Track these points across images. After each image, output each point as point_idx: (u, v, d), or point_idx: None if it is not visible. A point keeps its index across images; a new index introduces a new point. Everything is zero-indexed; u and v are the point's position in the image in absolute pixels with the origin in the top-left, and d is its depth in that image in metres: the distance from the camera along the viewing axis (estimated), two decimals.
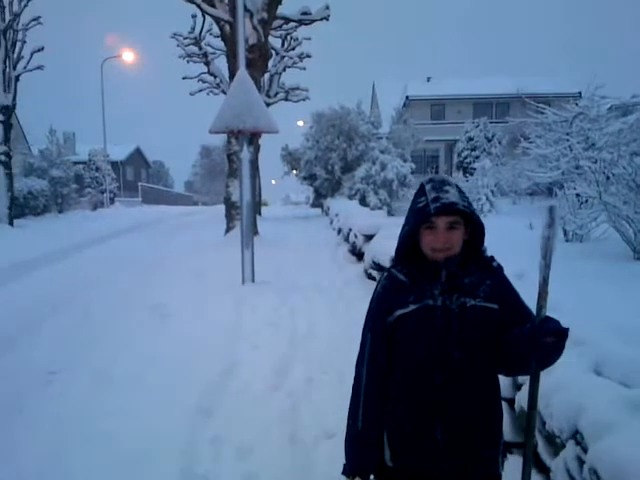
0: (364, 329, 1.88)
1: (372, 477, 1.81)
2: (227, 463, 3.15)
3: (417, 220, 1.73)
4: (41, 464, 3.14)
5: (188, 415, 3.68)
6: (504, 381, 2.84)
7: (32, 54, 16.36)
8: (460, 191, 1.75)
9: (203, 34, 17.03)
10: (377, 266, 7.15)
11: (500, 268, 1.82)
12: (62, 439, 3.42)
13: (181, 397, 3.93)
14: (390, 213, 16.80)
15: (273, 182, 67.67)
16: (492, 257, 1.83)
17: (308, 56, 18.15)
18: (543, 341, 1.56)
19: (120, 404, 3.86)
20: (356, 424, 1.82)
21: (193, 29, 17.02)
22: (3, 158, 15.63)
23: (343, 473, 1.83)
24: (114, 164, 39.67)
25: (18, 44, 16.13)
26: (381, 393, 1.81)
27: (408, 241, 1.80)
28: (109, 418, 3.65)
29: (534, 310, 1.67)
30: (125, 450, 3.23)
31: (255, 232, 10.89)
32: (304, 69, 18.41)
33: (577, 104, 12.94)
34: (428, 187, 1.75)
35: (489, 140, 25.31)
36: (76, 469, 3.08)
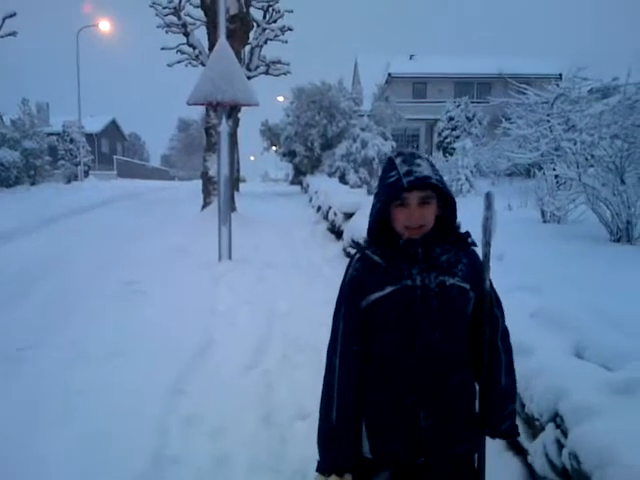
0: (335, 315, 1.76)
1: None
2: (199, 444, 3.07)
3: (389, 196, 1.63)
4: (2, 446, 3.00)
5: (161, 394, 3.58)
6: None
7: (4, 20, 15.72)
8: (431, 165, 1.66)
9: (182, 3, 16.52)
10: (356, 245, 7.08)
11: (475, 245, 1.75)
12: (28, 419, 3.30)
13: (154, 375, 3.82)
14: (370, 192, 16.71)
15: (252, 158, 67.06)
16: (468, 232, 1.75)
17: (290, 29, 17.76)
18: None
19: (90, 382, 3.73)
20: (330, 418, 1.69)
21: None
22: None
23: (317, 471, 1.70)
24: (89, 136, 38.74)
25: None
26: (357, 383, 1.70)
27: (380, 219, 1.70)
28: (78, 397, 3.53)
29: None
30: (94, 430, 3.11)
31: (233, 208, 10.70)
32: (286, 42, 18.04)
33: (558, 85, 12.96)
34: (398, 160, 1.65)
35: (470, 120, 25.29)
36: (40, 450, 2.94)
